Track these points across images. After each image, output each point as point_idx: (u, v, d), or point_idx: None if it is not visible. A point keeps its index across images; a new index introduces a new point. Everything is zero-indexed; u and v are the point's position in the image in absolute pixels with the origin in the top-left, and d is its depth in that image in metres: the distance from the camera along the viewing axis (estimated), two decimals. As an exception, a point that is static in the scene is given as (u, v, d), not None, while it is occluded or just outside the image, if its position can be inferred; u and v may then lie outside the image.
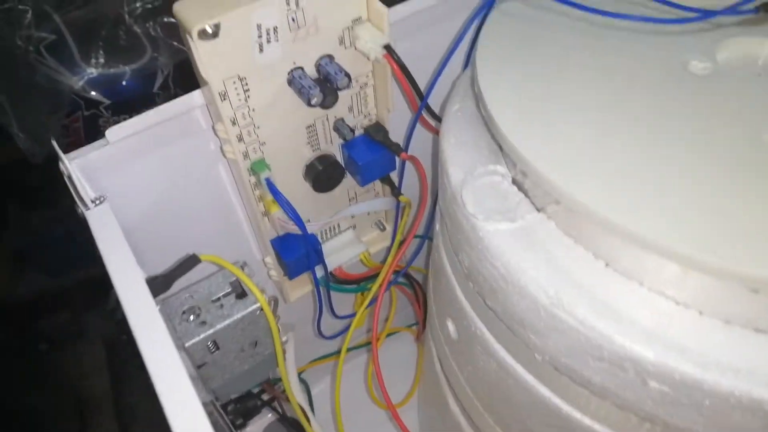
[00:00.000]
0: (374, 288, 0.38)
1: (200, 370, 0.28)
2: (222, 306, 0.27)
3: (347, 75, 0.30)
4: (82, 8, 0.66)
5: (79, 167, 0.28)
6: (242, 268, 0.29)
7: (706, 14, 0.28)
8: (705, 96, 0.25)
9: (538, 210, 0.25)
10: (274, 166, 0.32)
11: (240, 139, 0.30)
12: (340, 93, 0.31)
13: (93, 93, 0.64)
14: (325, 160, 0.34)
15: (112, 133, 0.27)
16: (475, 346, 0.30)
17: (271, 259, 0.37)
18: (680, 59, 0.27)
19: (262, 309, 0.27)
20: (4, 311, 0.77)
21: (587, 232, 0.24)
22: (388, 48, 0.29)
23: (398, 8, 0.32)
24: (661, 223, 0.20)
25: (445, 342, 0.34)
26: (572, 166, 0.23)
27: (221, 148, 0.29)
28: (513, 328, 0.26)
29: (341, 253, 0.39)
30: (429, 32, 0.35)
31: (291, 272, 0.36)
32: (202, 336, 0.26)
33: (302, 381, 0.46)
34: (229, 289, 0.28)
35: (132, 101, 0.63)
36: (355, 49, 0.30)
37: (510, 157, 0.26)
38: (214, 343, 0.27)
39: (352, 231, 0.40)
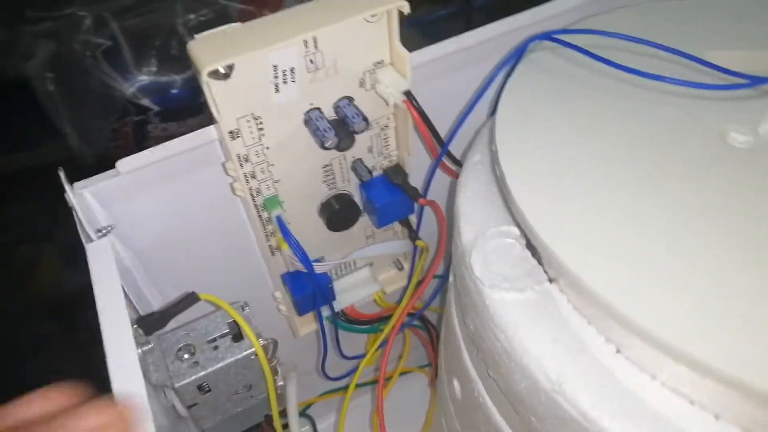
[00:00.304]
0: (386, 331, 0.37)
1: (191, 410, 0.27)
2: (217, 347, 0.27)
3: (365, 119, 0.29)
4: (138, 17, 0.68)
5: (91, 194, 0.28)
6: (242, 308, 0.28)
7: (755, 81, 0.26)
8: (742, 174, 0.23)
9: (551, 280, 0.24)
10: (288, 202, 0.32)
11: (252, 176, 0.29)
12: (359, 134, 0.30)
13: (143, 99, 0.65)
14: (342, 199, 0.33)
15: (124, 164, 0.27)
16: (478, 412, 0.28)
17: (280, 294, 0.36)
18: (719, 130, 0.25)
19: (257, 354, 0.27)
20: (54, 305, 0.79)
21: (600, 313, 0.22)
22: (408, 94, 0.28)
23: (425, 51, 0.31)
24: (678, 323, 0.19)
25: (451, 400, 0.33)
26: (585, 247, 0.21)
27: (231, 185, 0.29)
28: (514, 405, 0.24)
29: (355, 291, 0.38)
30: (456, 76, 0.33)
31: (300, 309, 0.35)
32: (192, 378, 0.26)
33: (308, 417, 0.45)
34: (227, 330, 0.27)
35: (180, 110, 0.64)
36: (376, 93, 0.29)
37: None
38: (206, 384, 0.26)
39: (369, 269, 0.39)
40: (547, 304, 0.23)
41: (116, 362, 0.21)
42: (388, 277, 0.40)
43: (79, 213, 0.25)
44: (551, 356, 0.21)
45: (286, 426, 0.45)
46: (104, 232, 0.28)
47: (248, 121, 0.27)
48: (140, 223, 0.30)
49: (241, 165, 0.29)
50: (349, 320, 0.38)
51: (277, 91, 0.27)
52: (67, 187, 0.25)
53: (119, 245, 0.30)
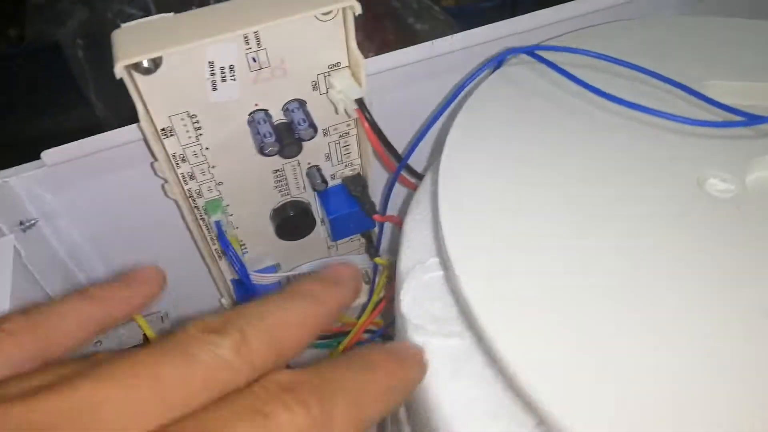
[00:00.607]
0: (340, 348, 0.35)
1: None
2: (128, 360, 0.25)
3: (312, 126, 0.26)
4: (172, -10, 0.67)
5: (17, 184, 0.26)
6: (162, 319, 0.26)
7: (752, 120, 0.23)
8: (711, 234, 0.20)
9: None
10: (235, 206, 0.30)
11: (191, 177, 0.27)
12: (314, 140, 0.28)
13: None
14: (295, 207, 0.31)
15: (50, 155, 0.26)
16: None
17: (226, 301, 0.34)
18: (698, 174, 0.22)
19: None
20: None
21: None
22: (359, 103, 0.26)
23: (390, 57, 0.29)
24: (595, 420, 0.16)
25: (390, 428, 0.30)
26: (508, 309, 0.18)
27: (162, 186, 0.27)
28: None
29: (312, 303, 0.36)
30: (429, 84, 0.31)
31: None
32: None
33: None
34: (140, 340, 0.25)
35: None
36: (328, 98, 0.27)
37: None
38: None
39: (331, 280, 0.37)
40: (472, 357, 0.20)
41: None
42: (353, 289, 0.38)
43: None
44: (461, 420, 0.19)
45: None
46: (28, 224, 0.27)
47: (183, 119, 0.25)
48: (76, 216, 0.29)
49: (177, 165, 0.27)
50: (303, 333, 0.36)
51: (214, 89, 0.25)
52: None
53: (51, 238, 0.29)
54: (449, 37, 0.29)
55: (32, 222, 0.27)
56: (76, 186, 0.28)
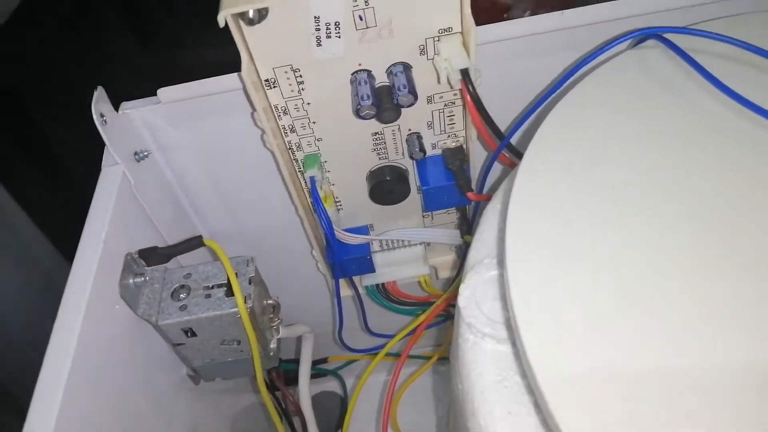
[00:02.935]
0: (419, 319, 0.35)
1: (177, 347, 0.28)
2: (209, 296, 0.26)
3: (413, 92, 0.25)
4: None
5: (138, 116, 0.28)
6: (247, 263, 0.27)
7: None
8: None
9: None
10: (332, 163, 0.30)
11: (292, 130, 0.28)
12: (417, 107, 0.27)
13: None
14: (392, 172, 0.30)
15: (163, 93, 0.27)
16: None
17: (317, 253, 0.35)
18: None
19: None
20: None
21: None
22: (464, 74, 0.24)
23: (507, 26, 0.26)
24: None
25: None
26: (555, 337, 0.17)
27: (261, 137, 0.27)
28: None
29: (400, 268, 0.36)
30: (546, 60, 0.28)
31: (335, 273, 0.34)
32: (175, 320, 0.26)
33: (337, 376, 0.44)
34: (225, 281, 0.27)
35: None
36: (433, 64, 0.26)
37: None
38: (191, 329, 0.26)
39: (423, 248, 0.36)
40: (521, 367, 0.19)
41: (75, 282, 0.22)
42: (445, 261, 0.37)
43: (105, 136, 0.25)
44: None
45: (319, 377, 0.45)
46: (142, 155, 0.29)
47: (286, 72, 0.25)
48: (189, 152, 0.30)
49: (279, 117, 0.27)
50: (388, 297, 0.36)
51: (318, 44, 0.25)
52: (100, 107, 0.25)
53: (164, 169, 0.31)
54: (579, 9, 0.26)
55: (146, 153, 0.29)
56: (188, 125, 0.29)
